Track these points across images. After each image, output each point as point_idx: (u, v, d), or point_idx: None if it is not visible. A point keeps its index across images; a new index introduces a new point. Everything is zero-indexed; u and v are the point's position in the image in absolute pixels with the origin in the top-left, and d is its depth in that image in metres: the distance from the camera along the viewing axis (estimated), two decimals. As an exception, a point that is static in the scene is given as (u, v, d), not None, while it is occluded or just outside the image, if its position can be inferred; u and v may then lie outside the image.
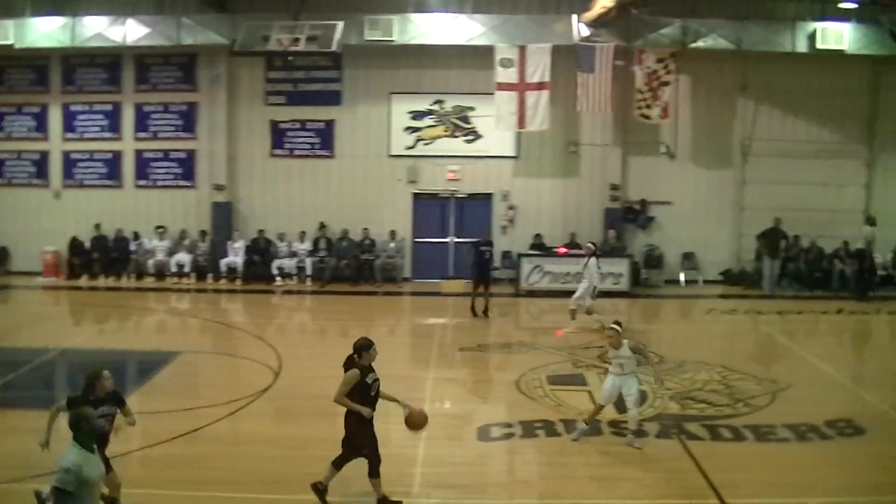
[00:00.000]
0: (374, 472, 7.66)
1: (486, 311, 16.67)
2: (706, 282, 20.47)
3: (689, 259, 20.54)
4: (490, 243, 17.21)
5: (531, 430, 9.79)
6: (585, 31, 18.99)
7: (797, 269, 19.93)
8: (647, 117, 19.55)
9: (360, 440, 7.62)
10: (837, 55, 19.30)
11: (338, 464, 7.79)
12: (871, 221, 19.32)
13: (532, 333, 16.25)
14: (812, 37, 19.12)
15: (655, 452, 9.33)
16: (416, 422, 7.84)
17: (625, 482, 8.49)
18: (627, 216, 20.42)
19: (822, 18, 19.30)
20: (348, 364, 7.63)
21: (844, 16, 19.20)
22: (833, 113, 20.41)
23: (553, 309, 17.70)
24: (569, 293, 18.39)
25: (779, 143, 20.31)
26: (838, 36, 19.10)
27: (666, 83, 19.38)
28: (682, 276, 20.40)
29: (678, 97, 19.99)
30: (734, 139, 20.52)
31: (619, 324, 9.48)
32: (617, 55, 18.91)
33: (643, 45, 19.22)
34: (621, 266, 19.23)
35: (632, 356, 9.32)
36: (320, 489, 7.73)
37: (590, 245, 16.58)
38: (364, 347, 7.60)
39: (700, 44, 19.18)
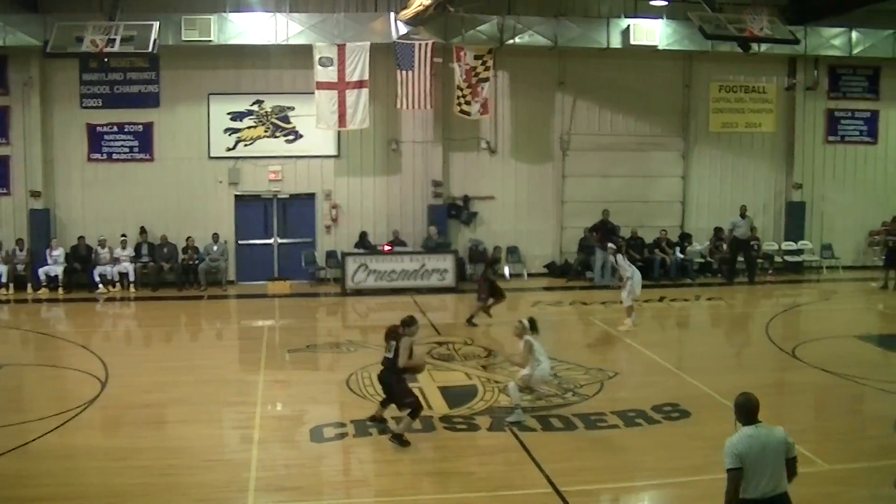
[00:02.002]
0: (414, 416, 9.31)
1: (471, 319, 15.94)
2: (531, 275, 20.81)
3: (513, 253, 20.80)
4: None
5: (364, 429, 9.73)
6: (404, 29, 19.08)
7: (619, 259, 20.43)
8: (468, 113, 19.76)
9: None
10: (651, 51, 19.90)
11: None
12: (743, 213, 20.10)
13: (361, 332, 16.19)
14: (626, 33, 19.67)
15: (489, 446, 9.42)
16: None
17: (459, 476, 8.55)
18: (451, 212, 20.57)
19: (635, 15, 19.89)
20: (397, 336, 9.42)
21: (656, 13, 19.84)
22: (649, 106, 21.09)
23: (380, 307, 17.71)
24: (395, 290, 18.59)
25: (597, 137, 20.91)
26: (651, 32, 19.70)
27: (485, 80, 19.68)
28: (506, 270, 20.58)
29: (497, 93, 20.35)
30: (553, 134, 20.96)
31: (531, 320, 10.00)
32: (436, 52, 19.10)
33: (461, 43, 19.40)
34: (446, 262, 19.33)
35: (526, 355, 9.83)
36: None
37: (610, 246, 16.63)
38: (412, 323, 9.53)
39: (517, 40, 19.48)
